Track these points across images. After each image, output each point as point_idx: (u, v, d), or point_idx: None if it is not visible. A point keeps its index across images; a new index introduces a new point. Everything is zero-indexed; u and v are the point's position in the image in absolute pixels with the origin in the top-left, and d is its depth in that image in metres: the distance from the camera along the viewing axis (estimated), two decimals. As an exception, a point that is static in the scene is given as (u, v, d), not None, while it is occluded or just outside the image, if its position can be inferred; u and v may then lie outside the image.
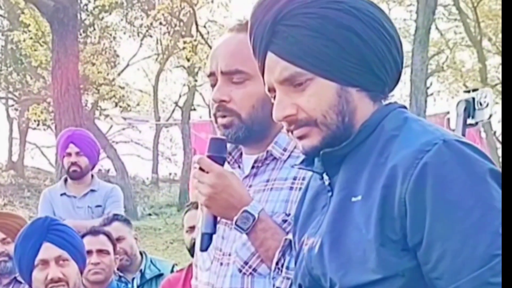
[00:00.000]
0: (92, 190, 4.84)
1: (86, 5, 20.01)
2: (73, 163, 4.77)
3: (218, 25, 21.86)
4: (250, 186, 1.78)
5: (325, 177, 1.39)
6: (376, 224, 1.23)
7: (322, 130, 1.33)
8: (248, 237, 1.69)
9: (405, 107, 1.40)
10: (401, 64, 1.39)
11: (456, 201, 1.17)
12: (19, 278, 3.51)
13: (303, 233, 1.44)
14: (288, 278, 1.60)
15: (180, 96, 24.87)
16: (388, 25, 1.36)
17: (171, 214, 17.69)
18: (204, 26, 21.29)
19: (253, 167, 1.81)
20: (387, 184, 1.23)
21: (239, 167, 1.85)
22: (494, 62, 22.32)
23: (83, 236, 3.25)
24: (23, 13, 18.75)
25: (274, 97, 1.37)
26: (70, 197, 4.82)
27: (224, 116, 1.76)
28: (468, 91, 3.05)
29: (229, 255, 1.77)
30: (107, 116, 22.69)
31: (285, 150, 1.79)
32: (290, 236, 1.61)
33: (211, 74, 1.78)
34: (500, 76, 20.83)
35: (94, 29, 20.90)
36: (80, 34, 17.57)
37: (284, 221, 1.70)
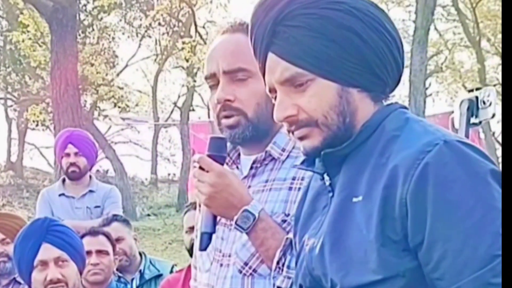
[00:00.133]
0: (91, 191, 4.84)
1: (85, 5, 20.00)
2: (72, 164, 4.77)
3: (217, 25, 21.85)
4: (249, 186, 1.78)
5: (326, 177, 1.39)
6: (377, 224, 1.23)
7: (323, 130, 1.33)
8: (248, 236, 1.68)
9: (406, 108, 1.40)
10: (402, 64, 1.39)
11: (457, 201, 1.17)
12: (19, 279, 3.51)
13: (304, 233, 1.44)
14: (289, 278, 1.60)
15: (179, 96, 24.89)
16: (389, 25, 1.36)
17: (170, 214, 17.69)
18: (203, 27, 21.31)
19: (251, 167, 1.80)
20: (388, 185, 1.23)
21: (237, 168, 1.85)
22: (493, 62, 22.35)
23: (82, 236, 3.24)
24: (22, 13, 18.76)
25: (275, 98, 1.37)
26: (69, 198, 4.82)
27: (229, 116, 1.75)
28: (471, 90, 3.03)
29: (229, 256, 1.77)
30: (106, 116, 22.69)
31: (283, 150, 1.79)
32: (290, 235, 1.61)
33: (211, 76, 1.78)
34: (499, 76, 20.85)
35: (93, 30, 20.90)
36: (79, 35, 17.58)
37: (284, 221, 1.70)
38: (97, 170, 19.77)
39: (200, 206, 1.83)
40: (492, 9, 20.57)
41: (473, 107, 2.94)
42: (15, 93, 23.05)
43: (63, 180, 4.91)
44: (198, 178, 1.68)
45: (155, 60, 24.17)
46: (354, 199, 1.29)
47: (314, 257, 1.35)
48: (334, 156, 1.35)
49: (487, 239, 1.15)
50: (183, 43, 18.97)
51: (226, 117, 1.76)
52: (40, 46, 18.84)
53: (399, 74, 1.39)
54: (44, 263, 2.67)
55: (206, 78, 1.81)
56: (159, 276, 4.00)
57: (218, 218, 1.72)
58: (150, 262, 4.10)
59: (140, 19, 22.11)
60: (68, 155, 4.77)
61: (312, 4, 1.32)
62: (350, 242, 1.27)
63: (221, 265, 1.78)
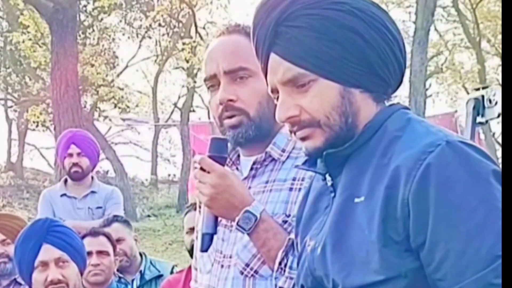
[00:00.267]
0: (93, 192, 4.85)
1: (85, 6, 20.00)
2: (75, 164, 4.78)
3: (217, 26, 21.85)
4: (249, 187, 1.78)
5: (328, 178, 1.39)
6: (379, 225, 1.23)
7: (325, 131, 1.33)
8: (250, 237, 1.68)
9: (408, 108, 1.40)
10: (404, 64, 1.39)
11: (459, 202, 1.17)
12: (19, 280, 3.51)
13: (306, 234, 1.44)
14: (291, 278, 1.60)
15: (179, 97, 24.88)
16: (391, 26, 1.36)
17: (170, 215, 17.69)
18: (203, 28, 21.31)
19: (251, 168, 1.81)
20: (390, 185, 1.23)
21: (237, 169, 1.85)
22: (493, 63, 22.36)
23: (83, 237, 3.24)
24: (22, 14, 18.75)
25: (277, 98, 1.37)
26: (71, 198, 4.82)
27: (232, 116, 1.76)
28: (478, 89, 3.02)
29: (230, 257, 1.77)
30: (106, 117, 22.68)
31: (283, 151, 1.79)
32: (292, 235, 1.61)
33: (211, 77, 1.78)
34: (499, 77, 20.85)
35: (93, 31, 20.90)
36: (79, 35, 17.59)
37: (284, 222, 1.70)
38: (97, 171, 19.74)
39: (200, 207, 1.83)
40: (492, 10, 20.57)
41: (479, 106, 2.92)
42: (15, 93, 23.05)
43: (65, 181, 4.92)
44: (199, 179, 1.68)
45: (155, 61, 24.17)
46: (356, 200, 1.29)
47: (316, 257, 1.35)
48: (336, 156, 1.35)
49: (489, 240, 1.15)
50: (184, 44, 18.97)
51: (229, 117, 1.76)
52: (40, 46, 18.84)
53: (401, 75, 1.39)
54: (45, 264, 2.67)
55: (205, 80, 1.81)
56: (160, 276, 4.00)
57: (219, 219, 1.72)
58: (151, 262, 4.10)
59: (140, 20, 22.12)
60: (70, 155, 4.78)
61: (314, 4, 1.32)
62: (352, 242, 1.27)
63: (222, 266, 1.78)
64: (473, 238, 1.15)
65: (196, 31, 19.44)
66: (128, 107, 22.82)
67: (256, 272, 1.72)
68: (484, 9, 20.85)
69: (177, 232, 14.34)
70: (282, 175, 1.76)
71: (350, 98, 1.33)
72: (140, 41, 23.66)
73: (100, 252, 3.42)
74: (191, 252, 3.38)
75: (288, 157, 1.78)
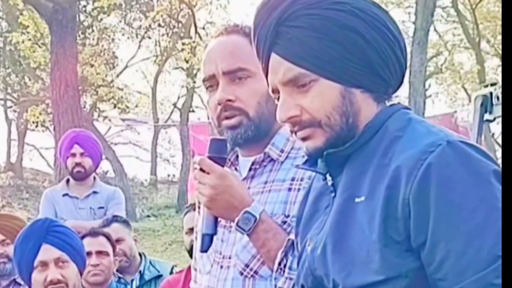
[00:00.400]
0: (95, 192, 4.86)
1: (84, 6, 19.99)
2: (78, 164, 4.79)
3: (216, 26, 21.84)
4: (248, 188, 1.78)
5: (328, 177, 1.39)
6: (379, 224, 1.23)
7: (326, 131, 1.33)
8: (249, 238, 1.68)
9: (408, 108, 1.40)
10: (405, 65, 1.39)
11: (460, 202, 1.17)
12: (19, 280, 3.51)
13: (306, 233, 1.44)
14: (290, 279, 1.60)
15: (178, 97, 24.88)
16: (392, 26, 1.36)
17: (170, 215, 17.69)
18: (203, 28, 21.31)
19: (250, 169, 1.81)
20: (391, 185, 1.23)
21: (236, 169, 1.85)
22: (493, 64, 22.36)
23: (82, 237, 3.24)
24: (21, 14, 18.74)
25: (278, 98, 1.37)
26: (73, 198, 4.83)
27: (231, 117, 1.75)
28: (486, 86, 2.98)
29: (229, 258, 1.77)
30: (105, 117, 22.67)
31: (282, 151, 1.79)
32: (292, 236, 1.61)
33: (210, 78, 1.78)
34: (498, 78, 20.83)
35: (93, 31, 20.89)
36: (79, 36, 17.58)
37: (284, 222, 1.70)
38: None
39: (200, 207, 1.83)
40: (492, 10, 20.57)
41: (487, 103, 2.88)
42: (15, 94, 23.04)
43: (67, 181, 4.93)
44: (199, 180, 1.68)
45: (155, 61, 24.16)
46: (357, 200, 1.29)
47: (316, 257, 1.35)
48: (337, 156, 1.35)
49: (490, 240, 1.15)
50: (183, 44, 18.97)
51: (228, 117, 1.76)
52: (40, 47, 18.83)
53: (402, 75, 1.39)
54: (44, 264, 2.67)
55: (204, 80, 1.81)
56: (159, 277, 4.00)
57: (219, 219, 1.72)
58: (150, 263, 4.10)
59: (140, 20, 22.11)
60: (74, 155, 4.80)
61: (315, 4, 1.32)
62: (352, 242, 1.27)
63: (222, 267, 1.78)
64: (474, 238, 1.15)
65: (196, 32, 19.44)
66: (127, 107, 22.82)
67: (255, 272, 1.72)
68: (483, 10, 20.85)
69: (177, 232, 14.34)
70: (281, 176, 1.76)
71: (351, 98, 1.33)
72: (140, 42, 23.66)
73: (99, 252, 3.42)
74: (190, 252, 3.38)
75: (286, 157, 1.78)
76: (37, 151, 27.51)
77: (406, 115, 1.35)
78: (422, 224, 1.19)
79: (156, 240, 14.69)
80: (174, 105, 24.90)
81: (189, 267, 3.28)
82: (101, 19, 21.06)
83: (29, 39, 18.75)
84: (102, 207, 4.81)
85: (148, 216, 18.29)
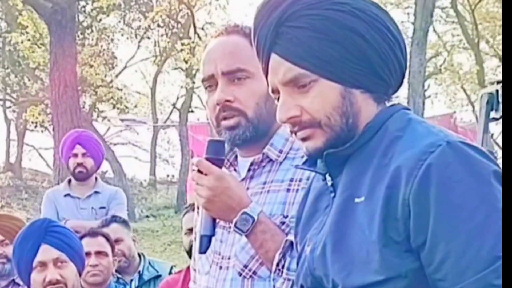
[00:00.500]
0: (96, 192, 4.87)
1: (84, 7, 19.98)
2: (79, 164, 4.80)
3: (215, 27, 21.83)
4: (247, 189, 1.78)
5: (328, 178, 1.39)
6: (379, 225, 1.23)
7: (326, 131, 1.33)
8: (247, 239, 1.68)
9: (408, 109, 1.40)
10: (405, 65, 1.39)
11: (460, 202, 1.17)
12: (18, 280, 3.51)
13: (305, 233, 1.44)
14: (289, 280, 1.60)
15: (177, 98, 24.85)
16: (392, 26, 1.36)
17: (169, 216, 17.69)
18: (202, 28, 21.30)
19: (249, 169, 1.81)
20: (391, 185, 1.23)
21: (235, 170, 1.85)
22: (492, 64, 22.33)
23: (81, 237, 3.24)
24: (21, 14, 18.74)
25: (278, 99, 1.37)
26: (74, 198, 4.84)
27: (230, 117, 1.76)
28: (493, 83, 2.96)
29: (228, 258, 1.77)
30: (104, 118, 22.66)
31: (281, 152, 1.79)
32: (290, 237, 1.61)
33: (209, 78, 1.78)
34: (497, 78, 20.82)
35: (92, 31, 20.88)
36: (78, 36, 17.56)
37: (282, 223, 1.70)
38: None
39: (199, 208, 1.83)
40: (491, 11, 20.56)
41: (493, 101, 2.86)
42: (14, 94, 23.02)
43: (69, 181, 4.94)
44: (197, 181, 1.68)
45: (154, 61, 24.15)
46: (356, 200, 1.29)
47: (316, 257, 1.35)
48: (337, 156, 1.35)
49: (490, 241, 1.15)
50: (182, 44, 18.97)
51: (226, 118, 1.76)
52: (39, 47, 18.82)
53: (402, 75, 1.39)
54: (43, 264, 2.67)
55: (203, 80, 1.81)
56: (158, 277, 4.00)
57: (217, 220, 1.73)
58: (149, 263, 4.10)
59: (139, 21, 22.11)
60: (75, 155, 4.80)
61: (315, 5, 1.32)
62: (352, 242, 1.27)
63: (220, 267, 1.78)
64: (474, 239, 1.16)
65: (195, 32, 19.43)
66: (126, 107, 22.81)
67: (254, 273, 1.72)
68: (482, 10, 20.83)
69: (176, 232, 14.34)
70: (280, 176, 1.77)
71: (351, 98, 1.33)
72: (139, 42, 23.65)
73: (98, 253, 3.42)
74: (189, 253, 3.38)
75: (285, 158, 1.79)
76: (36, 151, 27.53)
77: (406, 116, 1.35)
78: (422, 224, 1.19)
79: (155, 240, 14.69)
80: (173, 105, 24.89)
81: (188, 268, 3.29)
82: (100, 20, 21.05)
83: (28, 40, 18.75)
84: (104, 207, 4.81)
85: (147, 216, 18.29)
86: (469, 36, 20.25)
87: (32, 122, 21.22)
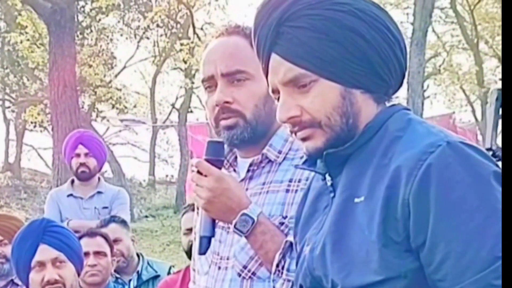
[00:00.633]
0: (99, 192, 4.89)
1: (83, 7, 19.98)
2: (82, 164, 4.81)
3: (215, 27, 21.78)
4: (246, 189, 1.78)
5: (328, 177, 1.39)
6: (379, 225, 1.23)
7: (326, 131, 1.33)
8: (247, 240, 1.68)
9: (408, 109, 1.40)
10: (405, 65, 1.39)
11: (460, 202, 1.17)
12: (16, 280, 3.51)
13: (305, 234, 1.44)
14: (288, 281, 1.60)
15: (177, 98, 24.85)
16: (393, 26, 1.36)
17: (168, 216, 17.69)
18: (201, 28, 21.29)
19: (248, 170, 1.81)
20: (391, 185, 1.23)
21: (234, 170, 1.85)
22: (491, 65, 22.35)
23: (80, 237, 3.24)
24: (20, 14, 18.72)
25: (278, 99, 1.37)
26: (77, 198, 4.85)
27: (228, 118, 1.76)
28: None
29: (227, 259, 1.77)
30: (104, 118, 22.66)
31: (280, 152, 1.79)
32: (289, 238, 1.61)
33: (209, 78, 1.78)
34: (496, 79, 20.85)
35: (91, 31, 20.88)
36: (77, 36, 17.56)
37: (281, 223, 1.70)
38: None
39: (198, 209, 1.83)
40: (490, 11, 20.57)
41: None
42: (13, 94, 23.01)
43: (72, 181, 4.96)
44: (196, 182, 1.68)
45: (153, 61, 24.14)
46: (356, 200, 1.29)
47: (315, 257, 1.35)
48: (336, 156, 1.35)
49: (489, 241, 1.15)
50: (181, 44, 18.96)
51: (225, 119, 1.76)
52: (38, 47, 18.81)
53: (402, 75, 1.39)
54: (42, 264, 2.67)
55: (203, 81, 1.81)
56: (157, 277, 4.01)
57: (216, 221, 1.72)
58: (148, 263, 4.10)
59: (138, 21, 22.11)
60: (78, 155, 4.82)
61: (316, 5, 1.32)
62: (351, 242, 1.27)
63: (220, 268, 1.78)
64: (474, 239, 1.15)
65: (194, 32, 19.43)
66: (126, 107, 22.80)
67: (253, 274, 1.72)
68: (482, 11, 20.84)
69: (175, 233, 14.34)
70: (279, 177, 1.77)
71: (351, 98, 1.33)
72: (138, 42, 23.65)
73: (97, 253, 3.42)
74: (188, 253, 3.38)
75: (284, 158, 1.79)
76: (35, 151, 27.51)
77: (406, 116, 1.35)
78: (422, 225, 1.19)
79: (154, 240, 14.68)
80: (173, 105, 24.88)
81: (187, 268, 3.29)
82: (100, 20, 21.05)
83: (28, 40, 18.73)
84: (107, 207, 4.82)
85: (146, 216, 18.28)
86: (468, 37, 20.27)
87: (31, 122, 21.20)
